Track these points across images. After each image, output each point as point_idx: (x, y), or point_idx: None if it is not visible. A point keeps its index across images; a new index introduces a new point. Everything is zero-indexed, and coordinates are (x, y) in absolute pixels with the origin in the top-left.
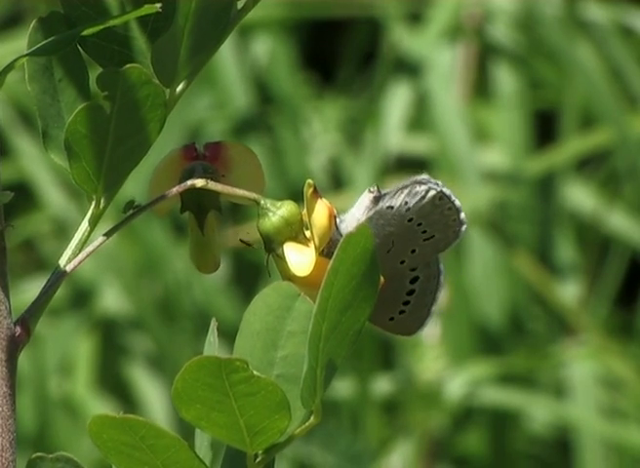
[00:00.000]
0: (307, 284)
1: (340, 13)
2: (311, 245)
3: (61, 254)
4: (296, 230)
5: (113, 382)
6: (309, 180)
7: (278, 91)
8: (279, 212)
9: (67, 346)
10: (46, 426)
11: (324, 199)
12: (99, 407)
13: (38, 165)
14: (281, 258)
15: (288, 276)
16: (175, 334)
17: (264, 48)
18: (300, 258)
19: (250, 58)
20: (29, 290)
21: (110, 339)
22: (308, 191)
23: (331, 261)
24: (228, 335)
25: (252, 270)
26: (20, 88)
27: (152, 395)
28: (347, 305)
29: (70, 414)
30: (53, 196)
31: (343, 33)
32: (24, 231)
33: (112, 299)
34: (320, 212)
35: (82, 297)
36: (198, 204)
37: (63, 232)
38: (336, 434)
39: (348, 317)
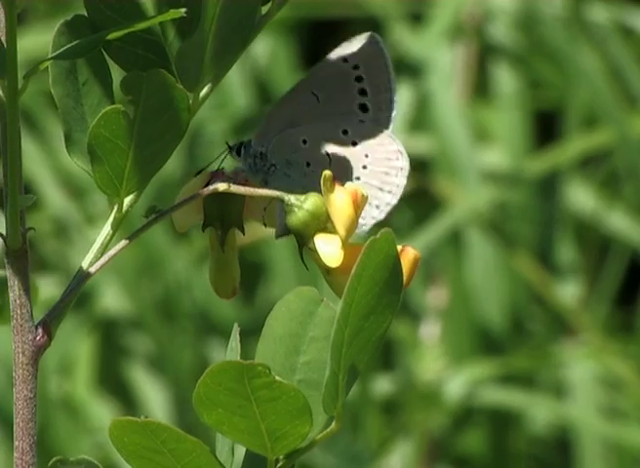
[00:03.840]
0: (345, 272)
1: (339, 13)
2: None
3: (62, 255)
4: (323, 221)
5: (113, 382)
6: (326, 172)
7: (278, 91)
8: (304, 205)
9: (68, 346)
10: (46, 426)
11: (349, 183)
12: (99, 407)
13: (39, 165)
14: (314, 251)
15: (324, 267)
16: (175, 335)
17: (264, 48)
18: (330, 249)
19: (250, 57)
20: None
21: (110, 339)
22: (327, 183)
23: (354, 267)
24: (229, 336)
25: (252, 270)
26: None
27: (152, 395)
28: (370, 311)
29: (70, 415)
30: (53, 196)
31: (343, 33)
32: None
33: (112, 299)
34: (341, 200)
35: (82, 297)
36: (221, 219)
37: (64, 232)
38: (336, 434)
39: (371, 323)
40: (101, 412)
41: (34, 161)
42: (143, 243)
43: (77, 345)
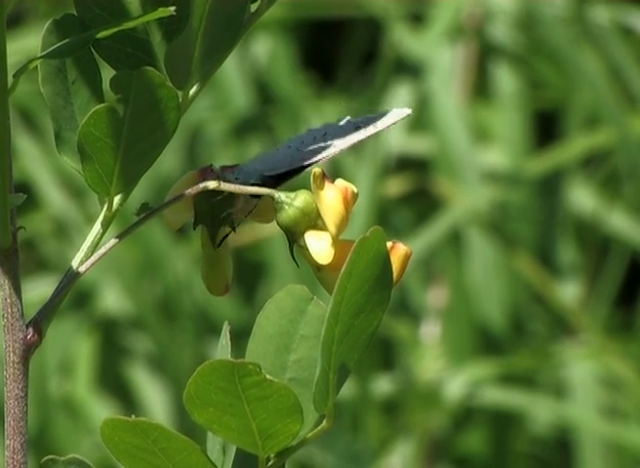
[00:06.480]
0: (336, 269)
1: (339, 13)
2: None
3: (62, 255)
4: (314, 218)
5: (114, 383)
6: (315, 170)
7: (278, 91)
8: (294, 203)
9: (68, 346)
10: (46, 426)
11: (339, 180)
12: (99, 407)
13: (38, 165)
14: (305, 249)
15: (315, 265)
16: (175, 335)
17: (264, 48)
18: (320, 246)
19: (250, 57)
20: (29, 290)
21: (111, 340)
22: (316, 181)
23: (344, 266)
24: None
25: (252, 270)
26: (21, 88)
27: (153, 395)
28: (360, 309)
29: (70, 415)
30: (53, 196)
31: (343, 33)
32: (24, 231)
33: (113, 299)
34: (332, 197)
35: (82, 297)
36: (212, 216)
37: (64, 232)
38: (336, 434)
39: (361, 320)
40: (102, 412)
41: (34, 161)
42: (143, 243)
43: (77, 345)
